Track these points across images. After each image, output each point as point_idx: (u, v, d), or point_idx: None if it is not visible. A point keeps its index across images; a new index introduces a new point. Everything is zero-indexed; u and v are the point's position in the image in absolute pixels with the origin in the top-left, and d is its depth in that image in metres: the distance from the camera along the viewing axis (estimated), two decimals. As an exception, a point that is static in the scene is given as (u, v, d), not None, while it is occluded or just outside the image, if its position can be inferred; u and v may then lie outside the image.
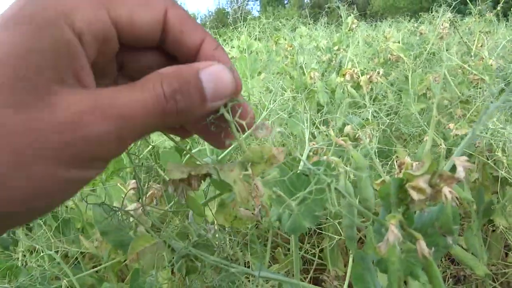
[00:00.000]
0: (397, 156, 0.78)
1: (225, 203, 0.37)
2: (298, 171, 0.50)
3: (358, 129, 0.73)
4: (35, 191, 0.16)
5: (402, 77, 1.30)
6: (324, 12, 1.90)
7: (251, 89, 1.23)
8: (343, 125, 0.78)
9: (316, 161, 0.51)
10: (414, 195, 0.25)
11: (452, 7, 1.60)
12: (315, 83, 0.95)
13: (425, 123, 0.96)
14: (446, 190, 0.25)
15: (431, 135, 0.61)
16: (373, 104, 1.18)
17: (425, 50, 1.33)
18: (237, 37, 1.43)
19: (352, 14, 1.76)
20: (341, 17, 1.89)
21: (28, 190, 0.16)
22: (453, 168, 0.29)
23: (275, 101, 0.91)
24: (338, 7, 1.71)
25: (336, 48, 1.35)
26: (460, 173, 0.25)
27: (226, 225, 0.39)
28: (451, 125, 0.77)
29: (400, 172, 0.76)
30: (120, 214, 0.38)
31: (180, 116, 0.20)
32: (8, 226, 0.18)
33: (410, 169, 0.55)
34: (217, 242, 0.36)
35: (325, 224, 0.99)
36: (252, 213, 0.41)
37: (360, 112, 1.13)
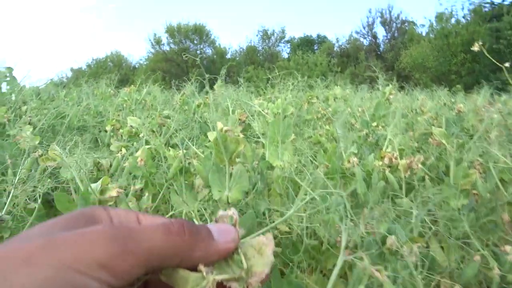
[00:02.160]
0: (440, 277, 0.69)
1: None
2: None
3: (403, 244, 0.64)
4: None
5: (442, 164, 1.22)
6: (355, 65, 1.85)
7: (281, 156, 1.17)
8: (386, 232, 0.70)
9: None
10: None
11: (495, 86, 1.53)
12: (353, 167, 0.88)
13: (471, 230, 0.87)
14: None
15: None
16: (409, 194, 1.10)
17: (470, 138, 1.25)
18: (274, 95, 1.40)
19: (390, 85, 1.71)
20: (373, 73, 1.84)
21: None
22: None
23: (310, 183, 0.84)
24: (377, 77, 1.67)
25: (374, 124, 1.29)
26: None
27: None
28: (508, 248, 0.68)
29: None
30: None
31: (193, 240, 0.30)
32: None
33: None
34: None
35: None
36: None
37: (396, 200, 1.04)
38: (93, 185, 0.65)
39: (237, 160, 0.89)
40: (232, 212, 0.37)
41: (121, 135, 1.37)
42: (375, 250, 0.70)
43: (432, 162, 1.21)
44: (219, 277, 0.32)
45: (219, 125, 0.88)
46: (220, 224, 0.35)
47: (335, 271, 0.63)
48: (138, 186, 0.98)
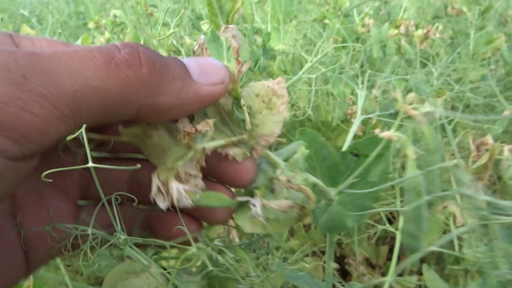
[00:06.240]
0: (469, 132, 0.62)
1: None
2: (345, 150, 0.37)
3: (428, 98, 0.57)
4: None
5: (461, 36, 1.10)
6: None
7: (284, 37, 1.05)
8: (406, 90, 0.62)
9: (371, 138, 0.37)
10: None
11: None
12: (368, 32, 0.78)
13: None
14: None
15: None
16: (425, 66, 1.01)
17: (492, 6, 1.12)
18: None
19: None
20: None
21: None
22: None
23: (319, 54, 0.74)
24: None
25: (387, -6, 1.14)
26: None
27: (258, 232, 0.25)
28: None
29: (478, 155, 0.61)
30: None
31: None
32: None
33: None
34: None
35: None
36: (292, 205, 0.25)
37: (411, 73, 0.96)
38: None
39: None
40: (232, 31, 0.23)
41: (105, 27, 1.24)
42: (392, 111, 0.63)
43: (450, 35, 1.10)
44: (210, 144, 0.23)
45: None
46: (203, 57, 0.22)
47: (353, 127, 0.56)
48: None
